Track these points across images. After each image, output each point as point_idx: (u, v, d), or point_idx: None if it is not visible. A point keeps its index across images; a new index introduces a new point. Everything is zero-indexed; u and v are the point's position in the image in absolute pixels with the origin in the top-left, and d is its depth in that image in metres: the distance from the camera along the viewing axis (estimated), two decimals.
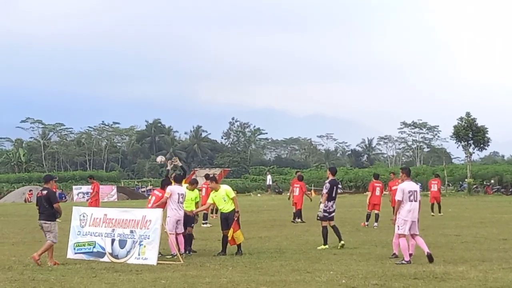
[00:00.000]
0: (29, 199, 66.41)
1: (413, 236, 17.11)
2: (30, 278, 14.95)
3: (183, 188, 19.70)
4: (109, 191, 65.58)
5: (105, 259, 18.03)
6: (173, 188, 19.26)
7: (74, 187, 70.59)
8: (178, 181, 19.72)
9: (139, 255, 17.67)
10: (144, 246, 17.62)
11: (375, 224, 28.34)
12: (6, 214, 42.66)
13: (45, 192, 18.10)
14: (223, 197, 19.22)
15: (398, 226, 17.12)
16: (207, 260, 17.68)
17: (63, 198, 65.51)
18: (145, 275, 15.28)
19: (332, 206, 20.12)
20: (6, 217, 39.38)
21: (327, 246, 20.12)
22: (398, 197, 17.06)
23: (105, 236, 18.40)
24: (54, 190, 33.71)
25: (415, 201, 17.05)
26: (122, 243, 18.08)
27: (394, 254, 17.82)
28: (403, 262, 16.56)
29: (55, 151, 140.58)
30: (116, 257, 18.05)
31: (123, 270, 16.21)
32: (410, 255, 16.96)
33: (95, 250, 18.34)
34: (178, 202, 19.12)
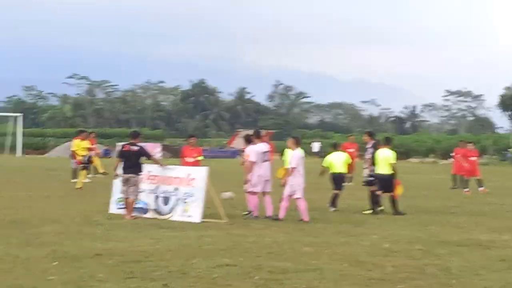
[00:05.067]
0: None
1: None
2: (76, 231, 15.15)
3: (261, 146, 18.81)
4: (154, 149, 66.05)
5: (148, 215, 18.23)
6: (255, 147, 18.61)
7: (117, 144, 71.07)
8: (249, 141, 18.97)
9: (183, 212, 17.83)
10: (188, 204, 17.77)
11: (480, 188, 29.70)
12: (52, 168, 43.22)
13: (136, 148, 18.34)
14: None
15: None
16: (251, 221, 17.74)
17: (108, 154, 66.26)
18: (190, 232, 15.38)
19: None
20: (52, 171, 39.96)
21: (371, 212, 20.06)
22: (252, 158, 18.30)
23: (149, 193, 18.57)
24: (94, 144, 33.59)
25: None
26: (166, 200, 18.27)
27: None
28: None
29: (100, 108, 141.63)
30: (160, 213, 18.26)
31: (167, 226, 16.37)
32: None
33: (138, 206, 18.47)
34: (262, 161, 18.55)
